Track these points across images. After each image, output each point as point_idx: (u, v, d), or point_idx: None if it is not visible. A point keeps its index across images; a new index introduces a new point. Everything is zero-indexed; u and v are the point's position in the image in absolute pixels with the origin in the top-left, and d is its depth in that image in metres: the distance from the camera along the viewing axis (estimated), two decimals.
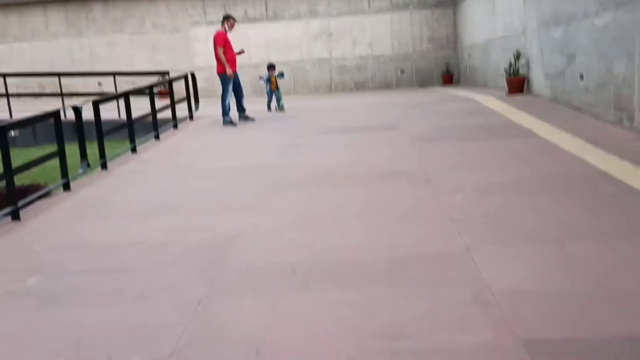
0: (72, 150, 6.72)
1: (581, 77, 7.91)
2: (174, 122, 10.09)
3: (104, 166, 7.07)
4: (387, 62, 17.26)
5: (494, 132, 7.36)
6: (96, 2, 17.65)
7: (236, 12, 16.49)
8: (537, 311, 2.78)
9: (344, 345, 2.63)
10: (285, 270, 3.52)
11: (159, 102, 9.86)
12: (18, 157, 7.23)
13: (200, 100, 12.42)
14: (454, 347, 2.54)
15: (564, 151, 5.93)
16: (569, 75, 8.39)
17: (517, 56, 10.35)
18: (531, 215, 4.18)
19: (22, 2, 17.73)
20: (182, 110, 10.77)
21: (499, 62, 11.88)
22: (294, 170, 6.28)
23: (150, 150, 8.29)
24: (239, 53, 10.25)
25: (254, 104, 11.84)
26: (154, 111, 9.04)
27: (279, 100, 11.70)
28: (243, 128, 9.75)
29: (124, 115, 8.32)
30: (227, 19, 10.14)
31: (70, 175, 6.22)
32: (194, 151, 8.22)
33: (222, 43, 9.86)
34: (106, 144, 7.27)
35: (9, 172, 5.11)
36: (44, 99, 14.85)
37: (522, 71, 10.42)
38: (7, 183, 5.14)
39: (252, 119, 10.28)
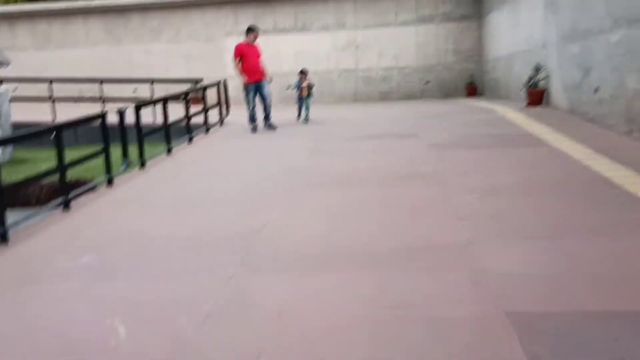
0: (112, 150, 7.29)
1: (596, 90, 8.24)
2: (206, 127, 10.68)
3: (142, 165, 7.66)
4: (411, 74, 17.69)
5: (508, 141, 7.74)
6: (134, 12, 18.51)
7: (266, 24, 17.16)
8: (523, 291, 3.21)
9: (357, 313, 3.08)
10: (307, 255, 4.00)
11: (192, 109, 10.45)
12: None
13: (232, 107, 13.01)
14: (449, 316, 2.98)
15: (572, 159, 6.29)
16: (585, 89, 8.72)
17: (537, 69, 10.70)
18: (532, 214, 4.58)
19: (65, 12, 18.70)
20: (212, 117, 11.37)
21: (521, 74, 12.20)
22: (319, 172, 6.76)
23: (184, 152, 8.89)
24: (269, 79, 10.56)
25: (282, 112, 12.34)
26: (188, 116, 9.64)
27: (307, 109, 11.50)
28: (270, 134, 10.28)
29: (157, 120, 8.89)
30: (250, 31, 10.53)
31: (112, 172, 6.80)
32: (225, 154, 8.78)
33: (237, 55, 10.33)
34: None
35: (63, 167, 5.70)
36: (82, 104, 15.66)
37: (541, 84, 10.76)
38: (60, 177, 5.74)
39: (274, 128, 10.56)
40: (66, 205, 5.71)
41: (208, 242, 4.43)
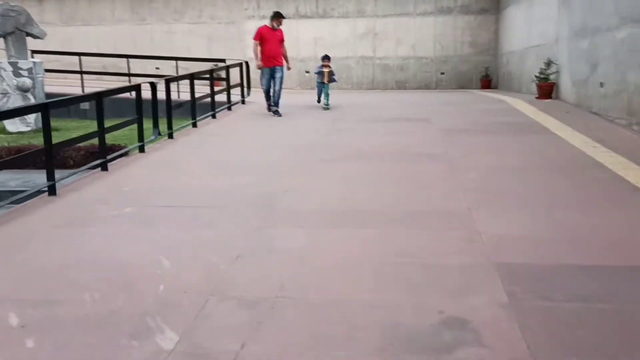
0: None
1: (601, 85, 8.66)
2: (229, 104, 11.22)
3: (170, 136, 8.21)
4: (428, 64, 18.08)
5: (515, 128, 8.20)
6: None
7: (288, 9, 17.57)
8: (511, 248, 3.72)
9: (365, 257, 3.61)
10: (325, 213, 4.53)
11: (215, 88, 10.95)
12: (90, 127, 8.45)
13: (253, 89, 13.51)
14: (444, 263, 3.50)
15: (571, 146, 6.76)
16: (592, 83, 9.13)
17: (548, 63, 11.09)
18: (528, 190, 5.08)
19: None
20: (234, 96, 11.89)
21: (533, 68, 12.58)
22: (335, 148, 7.28)
23: (209, 125, 9.44)
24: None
25: (300, 95, 12.80)
26: (212, 93, 10.17)
27: (326, 96, 11.26)
28: (290, 114, 10.71)
29: (182, 97, 9.36)
30: (276, 16, 10.48)
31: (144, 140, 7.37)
32: (247, 129, 9.33)
33: (257, 37, 10.32)
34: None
35: (102, 131, 6.26)
36: (105, 78, 16.24)
37: (552, 78, 11.15)
38: (99, 140, 6.30)
39: (279, 115, 10.34)
40: (104, 166, 6.27)
41: (236, 201, 4.97)
